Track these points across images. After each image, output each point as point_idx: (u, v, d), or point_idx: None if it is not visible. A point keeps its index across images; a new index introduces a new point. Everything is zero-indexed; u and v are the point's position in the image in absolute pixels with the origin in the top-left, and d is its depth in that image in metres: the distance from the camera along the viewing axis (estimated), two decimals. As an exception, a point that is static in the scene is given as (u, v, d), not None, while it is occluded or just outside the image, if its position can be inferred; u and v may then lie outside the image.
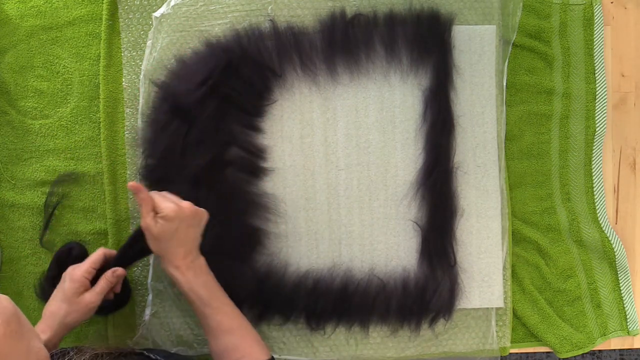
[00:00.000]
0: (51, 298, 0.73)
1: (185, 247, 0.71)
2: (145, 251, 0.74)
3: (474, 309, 0.89)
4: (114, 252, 0.77)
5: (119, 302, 0.84)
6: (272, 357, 0.72)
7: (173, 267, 0.71)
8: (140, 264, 0.86)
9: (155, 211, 0.70)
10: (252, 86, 0.83)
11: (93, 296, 0.72)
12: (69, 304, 0.71)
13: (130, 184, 0.71)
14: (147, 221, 0.70)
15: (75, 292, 0.71)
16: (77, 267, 0.73)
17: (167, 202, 0.70)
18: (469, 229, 0.88)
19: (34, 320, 0.84)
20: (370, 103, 0.87)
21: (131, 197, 0.86)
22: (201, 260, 0.73)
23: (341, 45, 0.85)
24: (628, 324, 0.92)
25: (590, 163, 0.92)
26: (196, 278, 0.71)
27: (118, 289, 0.78)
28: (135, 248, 0.76)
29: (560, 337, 0.90)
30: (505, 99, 0.90)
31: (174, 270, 0.71)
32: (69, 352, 0.61)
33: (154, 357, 0.69)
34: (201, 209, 0.73)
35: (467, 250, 0.88)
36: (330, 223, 0.87)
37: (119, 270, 0.74)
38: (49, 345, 0.70)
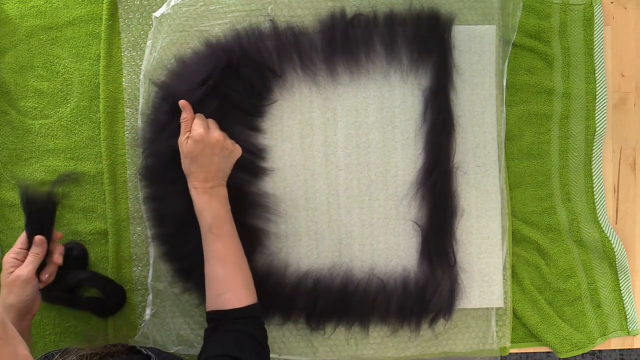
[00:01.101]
0: None
1: (207, 172, 0.76)
2: (52, 210, 0.76)
3: (474, 309, 0.89)
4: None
5: (111, 302, 0.84)
6: (256, 303, 0.73)
7: (192, 186, 0.76)
8: (140, 264, 0.86)
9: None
10: (252, 86, 0.83)
11: (21, 269, 0.73)
12: (4, 286, 0.73)
13: (182, 102, 0.76)
14: (181, 139, 0.76)
15: (6, 272, 0.73)
16: (9, 251, 0.75)
17: (200, 126, 0.75)
18: (469, 229, 0.88)
19: (33, 321, 0.85)
20: (370, 103, 0.87)
21: (131, 197, 0.86)
22: (221, 190, 0.77)
23: (341, 45, 0.85)
24: (628, 324, 0.92)
25: (590, 163, 0.92)
26: (209, 203, 0.75)
27: (57, 258, 0.77)
28: (33, 212, 0.76)
29: (560, 337, 0.90)
30: (505, 99, 0.90)
31: (192, 190, 0.76)
32: (53, 355, 0.62)
33: (145, 352, 0.69)
34: (235, 144, 0.79)
35: (467, 250, 0.88)
36: (330, 223, 0.87)
37: (37, 238, 0.75)
38: None
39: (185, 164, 0.77)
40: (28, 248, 0.75)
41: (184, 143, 0.76)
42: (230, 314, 0.71)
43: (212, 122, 0.78)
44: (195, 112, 0.80)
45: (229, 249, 0.75)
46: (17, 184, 0.84)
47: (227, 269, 0.73)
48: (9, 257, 0.74)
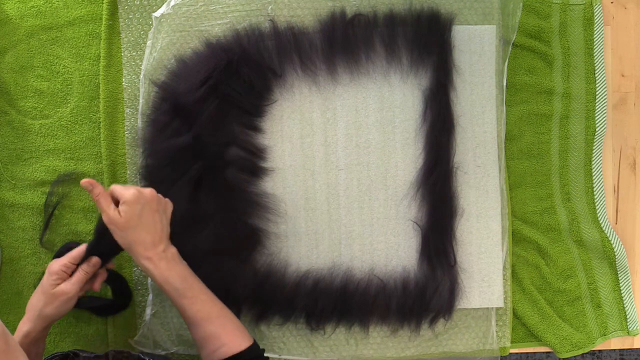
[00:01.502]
0: (34, 292, 0.73)
1: (154, 235, 0.69)
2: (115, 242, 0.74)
3: (474, 309, 0.89)
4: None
5: (119, 303, 0.84)
6: (255, 342, 0.72)
7: (144, 258, 0.69)
8: (140, 264, 0.86)
9: (117, 201, 0.69)
10: (252, 86, 0.83)
11: (68, 286, 0.72)
12: (46, 295, 0.71)
13: (84, 181, 0.69)
14: (110, 214, 0.68)
15: (52, 283, 0.72)
16: (56, 260, 0.73)
17: (127, 189, 0.69)
18: (469, 229, 0.88)
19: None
20: (370, 103, 0.87)
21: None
22: (173, 250, 0.71)
23: (341, 45, 0.85)
24: (628, 324, 0.92)
25: (590, 163, 0.92)
26: (169, 269, 0.69)
27: (97, 286, 0.76)
28: (104, 240, 0.74)
29: (560, 337, 0.90)
30: (505, 99, 0.90)
31: (146, 262, 0.69)
32: (57, 356, 0.62)
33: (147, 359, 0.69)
34: (165, 198, 0.72)
35: (467, 250, 0.88)
36: (330, 223, 0.87)
37: (94, 259, 0.74)
38: (31, 335, 0.71)
39: (124, 237, 0.69)
40: (78, 264, 0.74)
41: (116, 215, 0.68)
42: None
43: (130, 185, 0.72)
44: (195, 112, 0.80)
45: (208, 306, 0.71)
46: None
47: (216, 325, 0.70)
48: (57, 267, 0.72)
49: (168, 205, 0.73)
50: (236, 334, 0.71)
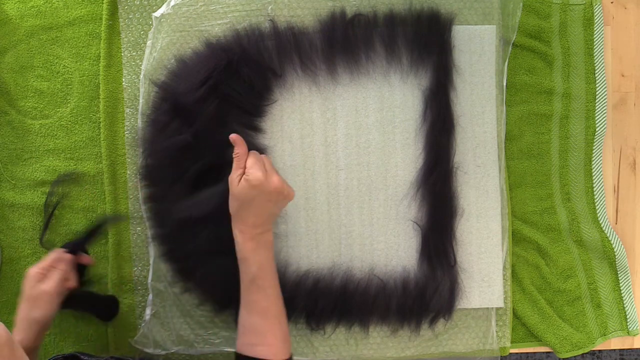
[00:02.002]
0: (19, 306, 0.74)
1: (257, 218, 0.71)
2: (94, 237, 0.78)
3: (474, 309, 0.89)
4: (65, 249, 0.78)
5: (106, 315, 0.84)
6: (291, 357, 0.71)
7: (238, 229, 0.71)
8: (140, 264, 0.86)
9: (245, 171, 0.71)
10: (252, 86, 0.83)
11: (47, 285, 0.73)
12: (29, 300, 0.72)
13: (232, 135, 0.72)
14: (233, 176, 0.71)
15: (32, 287, 0.73)
16: (32, 267, 0.75)
17: (258, 169, 0.70)
18: (469, 229, 0.88)
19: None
20: (370, 103, 0.87)
21: (131, 197, 0.86)
22: (268, 236, 0.72)
23: (341, 45, 0.85)
24: (628, 324, 0.92)
25: (590, 163, 0.92)
26: (255, 251, 0.71)
27: (73, 283, 0.77)
28: (89, 236, 0.79)
29: (560, 337, 0.90)
30: (505, 99, 0.90)
31: (238, 233, 0.71)
32: None
33: None
34: (290, 188, 0.72)
35: (467, 250, 0.88)
36: (330, 223, 0.87)
37: (66, 256, 0.75)
38: (24, 343, 0.71)
39: (233, 205, 0.72)
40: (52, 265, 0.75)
41: (236, 182, 0.70)
42: None
43: (268, 163, 0.73)
44: (196, 112, 0.80)
45: (270, 301, 0.71)
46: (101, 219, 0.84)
47: (267, 323, 0.70)
48: (34, 272, 0.73)
49: (289, 196, 0.73)
50: (280, 341, 0.70)
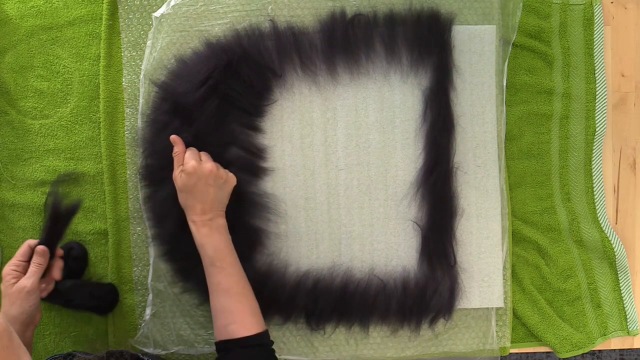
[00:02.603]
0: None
1: (203, 205, 0.75)
2: (65, 225, 0.78)
3: (474, 309, 0.89)
4: (36, 240, 0.77)
5: (107, 304, 0.84)
6: (266, 331, 0.73)
7: (191, 220, 0.76)
8: (140, 264, 0.86)
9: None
10: (252, 86, 0.83)
11: (24, 280, 0.73)
12: (6, 297, 0.73)
13: (172, 136, 0.77)
14: (175, 173, 0.76)
15: (7, 285, 0.73)
16: (7, 264, 0.75)
17: (191, 159, 0.75)
18: (469, 229, 0.88)
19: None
20: (370, 103, 0.87)
21: (131, 197, 0.86)
22: (220, 221, 0.77)
23: (341, 45, 0.85)
24: (628, 324, 0.92)
25: (590, 163, 0.92)
26: (209, 236, 0.75)
27: (57, 274, 0.77)
28: (57, 226, 0.77)
29: (560, 337, 0.90)
30: (505, 99, 0.90)
31: (191, 224, 0.76)
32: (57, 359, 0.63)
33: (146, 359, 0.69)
34: (229, 173, 0.78)
35: (467, 250, 0.88)
36: (330, 223, 0.87)
37: (40, 248, 0.75)
38: None
39: (181, 197, 0.77)
40: (27, 260, 0.75)
41: (178, 177, 0.76)
42: (239, 342, 0.70)
43: (204, 154, 0.78)
44: (195, 112, 0.80)
45: (232, 279, 0.74)
46: (50, 190, 0.85)
47: (233, 300, 0.73)
48: (9, 269, 0.74)
49: (229, 181, 0.78)
50: (249, 315, 0.73)
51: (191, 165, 0.75)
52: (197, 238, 0.75)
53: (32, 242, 0.76)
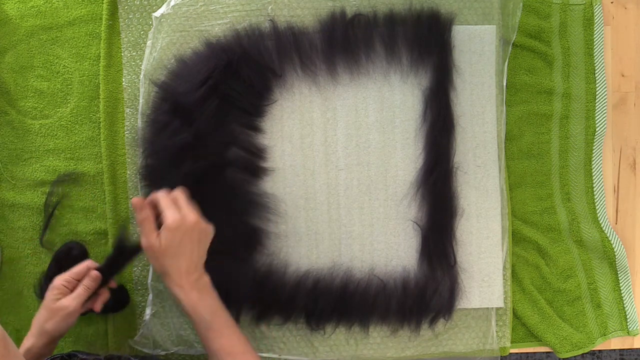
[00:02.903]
0: (39, 308, 0.73)
1: (189, 264, 0.69)
2: (127, 261, 0.76)
3: (474, 309, 0.89)
4: (97, 264, 0.77)
5: (116, 304, 0.83)
6: None
7: (177, 286, 0.69)
8: (141, 264, 0.86)
9: (159, 223, 0.69)
10: (252, 86, 0.84)
11: (68, 301, 0.71)
12: (47, 310, 0.71)
13: (134, 200, 0.69)
14: (151, 241, 0.68)
15: (54, 298, 0.71)
16: (59, 276, 0.73)
17: (172, 210, 0.68)
18: (469, 229, 0.88)
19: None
20: (370, 103, 0.87)
21: (131, 197, 0.86)
22: (205, 279, 0.71)
23: (341, 45, 0.85)
24: (628, 324, 0.92)
25: (590, 163, 0.92)
26: (200, 299, 0.69)
27: (98, 306, 0.76)
28: (120, 260, 0.76)
29: (560, 337, 0.90)
30: (505, 99, 0.90)
31: (177, 290, 0.69)
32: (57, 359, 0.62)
33: None
34: (207, 224, 0.71)
35: (467, 250, 0.88)
36: (330, 223, 0.87)
37: (94, 273, 0.74)
38: (32, 350, 0.70)
39: (162, 264, 0.69)
40: (80, 279, 0.74)
41: (156, 243, 0.68)
42: None
43: (181, 198, 0.71)
44: (195, 112, 0.80)
45: (233, 340, 0.69)
46: (120, 226, 0.84)
47: None
48: (60, 282, 0.72)
49: (209, 232, 0.72)
50: None
51: (174, 219, 0.67)
52: (187, 305, 0.68)
53: (92, 264, 0.75)
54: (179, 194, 0.72)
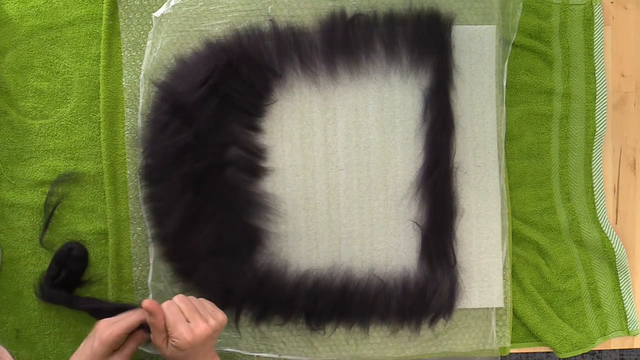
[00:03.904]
0: (79, 351, 0.70)
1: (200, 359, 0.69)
2: None
3: (474, 309, 0.89)
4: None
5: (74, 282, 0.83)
6: None
7: None
8: (140, 264, 0.86)
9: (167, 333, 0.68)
10: (252, 86, 0.84)
11: (121, 357, 0.69)
12: (96, 357, 0.68)
13: (145, 303, 0.66)
14: (158, 343, 0.67)
15: (104, 354, 0.68)
16: (109, 326, 0.69)
17: (181, 327, 0.66)
18: (469, 229, 0.88)
19: (33, 321, 0.85)
20: (370, 103, 0.87)
21: (131, 197, 0.86)
22: None
23: (341, 45, 0.85)
24: (628, 324, 0.92)
25: (590, 163, 0.92)
26: None
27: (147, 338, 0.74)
28: None
29: (560, 337, 0.90)
30: (505, 99, 0.90)
31: None
32: None
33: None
34: (220, 318, 0.69)
35: (467, 250, 0.88)
36: (330, 223, 0.87)
37: (148, 336, 0.72)
38: None
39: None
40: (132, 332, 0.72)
41: (164, 347, 0.67)
42: None
43: (185, 306, 0.68)
44: (195, 112, 0.80)
45: None
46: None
47: None
48: (112, 338, 0.68)
49: (223, 324, 0.70)
50: None
51: (185, 341, 0.65)
52: None
53: (143, 318, 0.71)
54: (185, 299, 0.70)
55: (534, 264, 0.91)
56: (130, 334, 0.71)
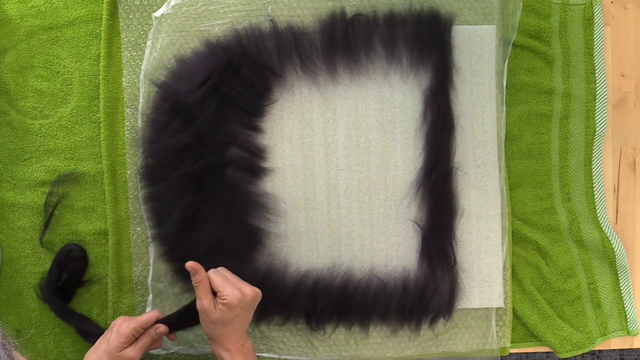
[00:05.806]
0: (95, 346, 0.72)
1: (239, 332, 0.72)
2: (197, 321, 0.73)
3: (474, 309, 0.89)
4: (163, 315, 0.76)
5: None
6: None
7: (224, 349, 0.72)
8: (140, 264, 0.86)
9: (214, 292, 0.70)
10: (252, 86, 0.84)
11: (134, 351, 0.70)
12: (110, 357, 0.70)
13: (189, 263, 0.69)
14: (205, 305, 0.69)
15: (119, 346, 0.70)
16: (126, 321, 0.72)
17: (230, 287, 0.69)
18: (469, 229, 0.88)
19: (33, 321, 0.85)
20: (370, 103, 0.87)
21: (131, 197, 0.86)
22: (249, 343, 0.74)
23: (341, 45, 0.85)
24: (628, 324, 0.92)
25: (590, 163, 0.92)
26: None
27: (159, 344, 0.76)
28: (189, 318, 0.75)
29: (560, 337, 0.90)
30: (505, 99, 0.90)
31: (224, 353, 0.72)
32: None
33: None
34: (257, 290, 0.72)
35: (467, 250, 0.88)
36: (330, 223, 0.87)
37: (162, 327, 0.73)
38: None
39: (213, 329, 0.71)
40: (146, 328, 0.73)
41: (212, 309, 0.69)
42: None
43: (230, 275, 0.72)
44: (195, 112, 0.80)
45: None
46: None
47: None
48: (128, 330, 0.70)
49: (259, 298, 0.73)
50: None
51: (236, 297, 0.68)
52: None
53: (160, 315, 0.74)
54: (224, 270, 0.73)
55: (534, 264, 0.91)
56: (145, 330, 0.73)
